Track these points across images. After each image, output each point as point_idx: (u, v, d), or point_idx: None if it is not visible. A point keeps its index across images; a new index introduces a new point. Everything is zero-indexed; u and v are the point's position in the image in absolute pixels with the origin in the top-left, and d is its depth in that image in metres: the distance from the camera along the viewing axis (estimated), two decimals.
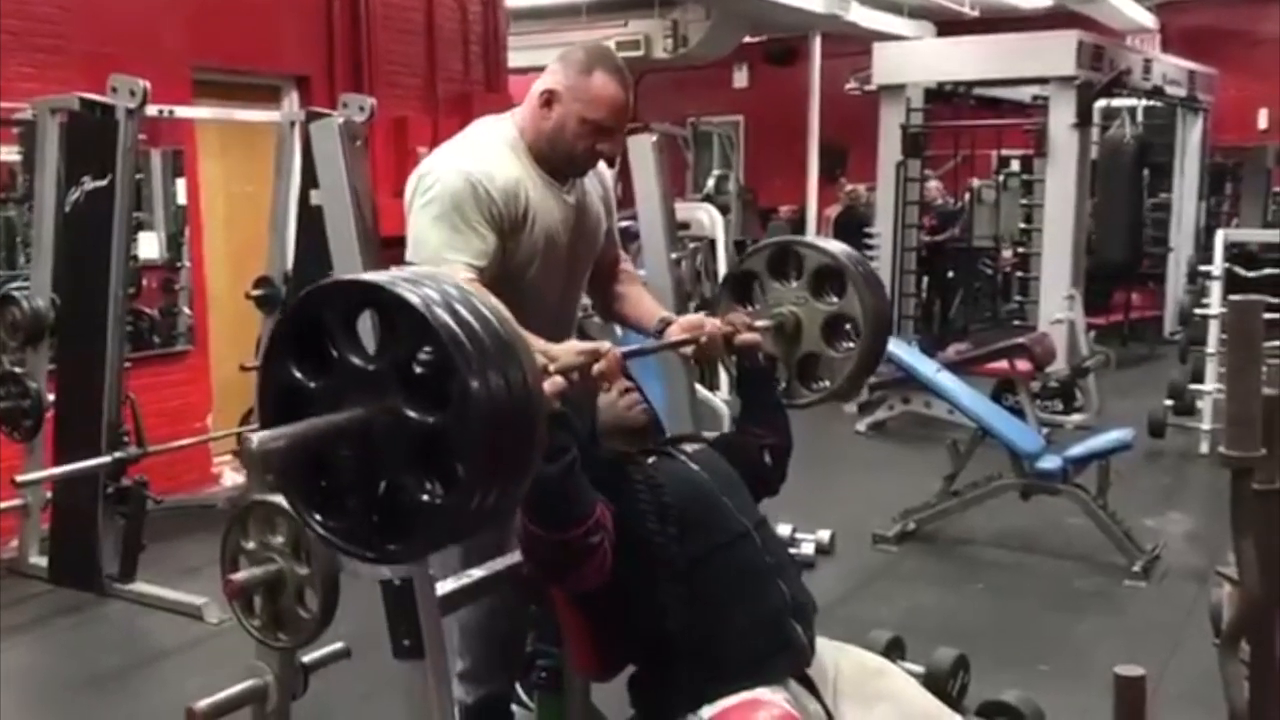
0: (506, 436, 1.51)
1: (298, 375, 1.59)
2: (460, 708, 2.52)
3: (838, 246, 2.78)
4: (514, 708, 2.93)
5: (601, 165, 2.63)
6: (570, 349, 2.14)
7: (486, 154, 2.43)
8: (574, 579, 2.07)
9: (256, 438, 1.50)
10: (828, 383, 2.74)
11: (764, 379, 2.61)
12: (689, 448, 2.37)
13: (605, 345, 2.18)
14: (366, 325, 1.58)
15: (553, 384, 1.91)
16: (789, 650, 2.16)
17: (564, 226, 2.51)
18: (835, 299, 2.72)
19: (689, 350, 2.58)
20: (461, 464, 1.49)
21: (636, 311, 2.71)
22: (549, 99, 2.42)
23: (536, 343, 1.98)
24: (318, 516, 1.61)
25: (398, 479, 1.54)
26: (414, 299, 1.50)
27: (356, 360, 1.55)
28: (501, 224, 2.38)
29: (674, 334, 2.54)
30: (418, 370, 1.54)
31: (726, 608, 2.14)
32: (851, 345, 2.71)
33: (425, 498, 1.52)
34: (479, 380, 1.47)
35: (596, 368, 2.12)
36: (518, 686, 2.94)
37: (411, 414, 1.51)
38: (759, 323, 2.64)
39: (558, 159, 2.47)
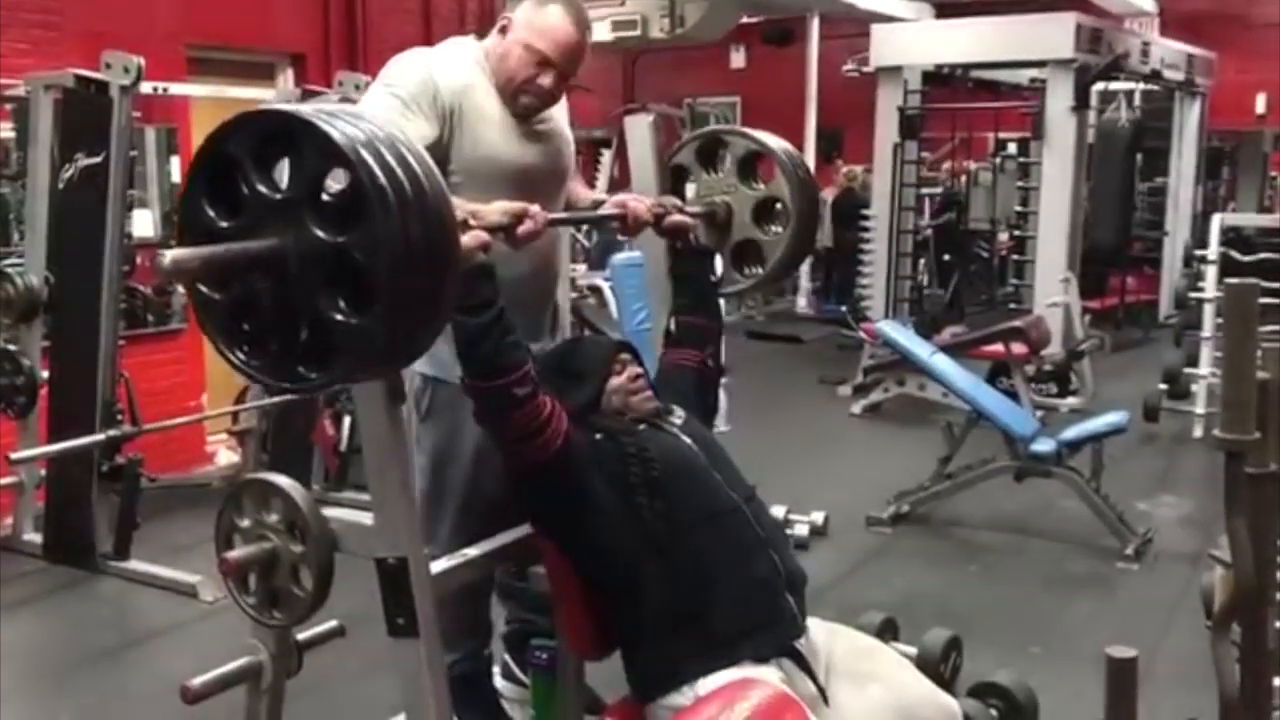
0: (418, 255, 1.54)
1: (210, 214, 1.60)
2: None
3: (762, 133, 2.85)
4: (506, 684, 2.95)
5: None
6: (497, 208, 2.19)
7: (449, 56, 2.55)
8: (515, 437, 2.10)
9: (170, 254, 1.52)
10: (760, 269, 2.82)
11: (698, 259, 2.67)
12: (676, 418, 2.38)
13: (534, 208, 2.22)
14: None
15: (474, 236, 1.98)
16: (781, 621, 2.17)
17: (519, 157, 2.55)
18: (762, 185, 2.80)
19: (615, 225, 2.65)
20: (374, 286, 1.53)
21: (576, 203, 2.79)
22: (505, 26, 2.53)
23: (466, 205, 2.05)
24: (241, 355, 1.64)
25: (313, 302, 1.56)
26: (318, 121, 1.53)
27: (267, 191, 1.57)
28: (442, 119, 2.45)
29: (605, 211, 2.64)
30: (330, 200, 1.56)
31: (717, 580, 2.15)
32: (780, 229, 2.78)
33: (339, 317, 1.55)
34: (386, 189, 1.50)
35: (522, 228, 2.18)
36: (512, 663, 2.95)
37: (322, 234, 1.54)
38: (690, 208, 2.70)
39: (501, 85, 2.53)
